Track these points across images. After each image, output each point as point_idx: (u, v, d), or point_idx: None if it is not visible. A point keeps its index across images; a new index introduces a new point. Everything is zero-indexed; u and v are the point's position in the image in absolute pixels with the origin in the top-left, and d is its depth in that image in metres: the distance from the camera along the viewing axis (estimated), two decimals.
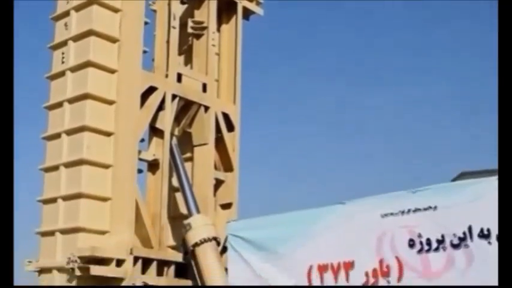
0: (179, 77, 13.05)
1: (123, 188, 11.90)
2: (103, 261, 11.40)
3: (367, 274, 9.61)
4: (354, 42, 38.73)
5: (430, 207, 9.23)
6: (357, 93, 37.57)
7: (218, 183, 13.56)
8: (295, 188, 33.26)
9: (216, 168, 13.53)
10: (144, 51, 12.60)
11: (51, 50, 12.91)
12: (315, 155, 35.79)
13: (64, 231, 11.87)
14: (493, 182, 8.47)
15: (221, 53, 14.18)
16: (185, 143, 13.41)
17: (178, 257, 12.33)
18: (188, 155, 13.44)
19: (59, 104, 12.46)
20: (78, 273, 11.22)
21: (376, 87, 37.24)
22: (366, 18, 37.99)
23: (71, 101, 12.29)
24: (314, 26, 38.24)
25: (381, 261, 9.52)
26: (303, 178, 33.88)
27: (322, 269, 10.01)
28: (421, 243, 9.24)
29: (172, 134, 12.80)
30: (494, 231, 8.54)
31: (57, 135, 12.37)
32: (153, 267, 11.87)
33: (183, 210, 12.83)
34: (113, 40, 12.44)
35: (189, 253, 11.93)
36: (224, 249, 11.88)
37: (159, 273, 11.99)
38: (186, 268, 12.23)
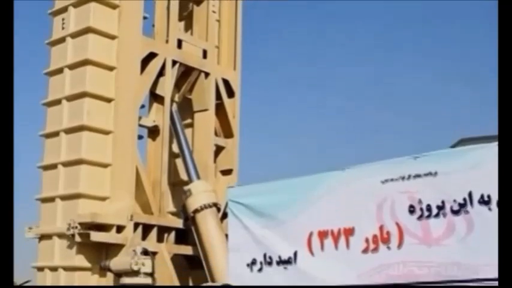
0: (179, 43, 13.02)
1: (123, 154, 11.93)
2: (103, 228, 11.46)
3: (367, 240, 9.59)
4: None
5: (431, 173, 9.19)
6: (354, 61, 37.25)
7: (218, 149, 13.58)
8: (295, 154, 33.17)
9: (216, 134, 13.54)
10: (145, 17, 12.59)
11: (51, 16, 12.87)
12: (315, 120, 35.63)
13: (64, 198, 11.92)
14: (493, 148, 8.43)
15: (221, 19, 14.12)
16: (185, 109, 13.41)
17: (178, 223, 12.37)
18: (188, 121, 13.45)
19: (60, 70, 12.47)
20: (78, 239, 11.30)
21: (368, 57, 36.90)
22: None
23: (71, 67, 12.29)
24: None
25: (381, 227, 9.49)
26: (303, 144, 33.80)
27: (323, 235, 10.00)
28: (421, 209, 9.21)
29: (172, 100, 12.79)
30: (495, 198, 8.50)
31: (57, 102, 12.38)
32: (154, 233, 11.93)
33: (184, 176, 12.87)
34: (113, 6, 12.41)
35: (190, 219, 11.98)
36: (224, 215, 11.90)
37: (160, 239, 12.04)
38: (187, 234, 12.30)
